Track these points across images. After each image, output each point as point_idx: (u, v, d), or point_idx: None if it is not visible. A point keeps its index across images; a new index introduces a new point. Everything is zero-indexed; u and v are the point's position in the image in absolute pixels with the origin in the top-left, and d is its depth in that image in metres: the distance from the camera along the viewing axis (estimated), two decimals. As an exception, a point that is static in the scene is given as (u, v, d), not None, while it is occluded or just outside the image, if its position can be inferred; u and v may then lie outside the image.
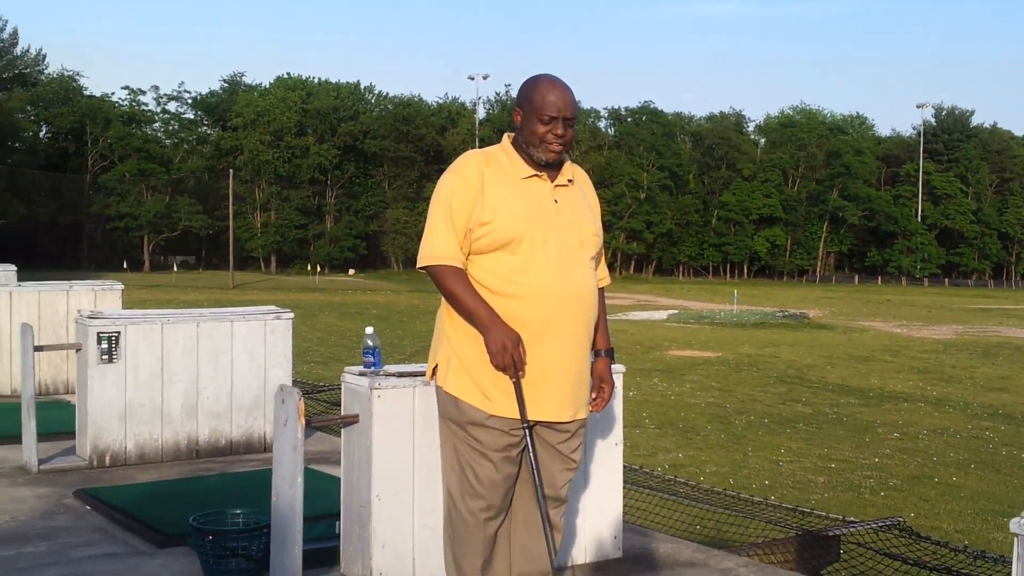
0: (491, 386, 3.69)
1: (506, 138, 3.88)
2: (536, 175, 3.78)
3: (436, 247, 3.72)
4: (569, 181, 3.86)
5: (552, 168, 3.81)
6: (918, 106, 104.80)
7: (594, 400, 4.00)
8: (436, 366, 3.88)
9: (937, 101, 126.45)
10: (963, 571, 6.13)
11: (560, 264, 3.72)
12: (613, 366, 4.21)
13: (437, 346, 3.89)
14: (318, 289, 55.60)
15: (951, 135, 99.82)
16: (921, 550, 6.63)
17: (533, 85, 3.75)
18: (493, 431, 3.71)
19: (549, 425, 3.80)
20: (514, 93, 4.11)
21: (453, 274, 3.70)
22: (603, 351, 4.04)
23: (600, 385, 4.01)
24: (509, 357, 3.61)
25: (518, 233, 3.67)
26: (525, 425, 3.69)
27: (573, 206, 3.83)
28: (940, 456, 13.29)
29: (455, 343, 3.77)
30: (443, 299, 3.81)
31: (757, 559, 5.62)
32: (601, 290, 4.03)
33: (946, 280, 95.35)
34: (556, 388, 3.74)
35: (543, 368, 3.71)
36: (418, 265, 3.81)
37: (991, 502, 10.85)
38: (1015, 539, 2.78)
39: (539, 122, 3.69)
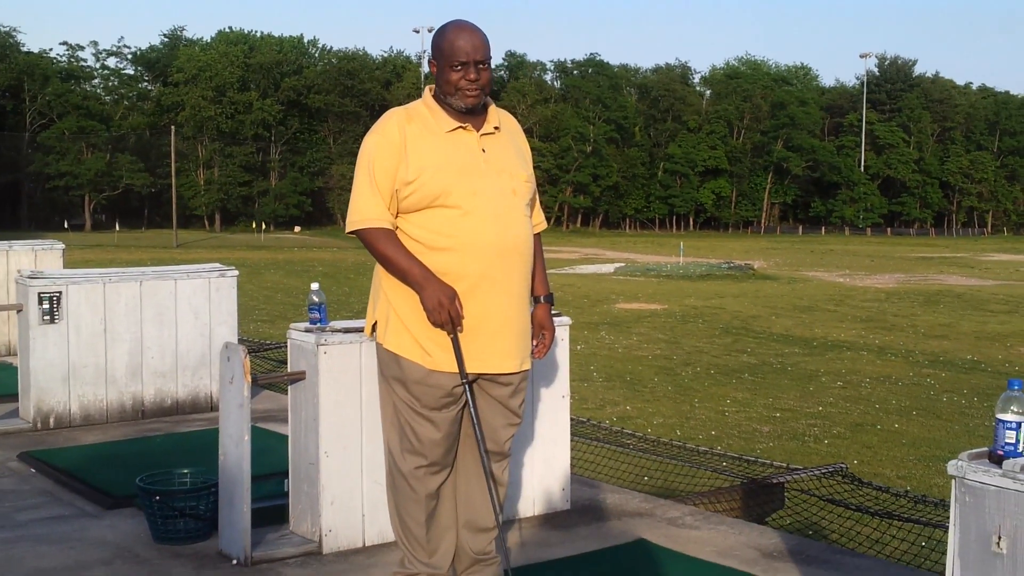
0: (430, 341, 3.67)
1: (427, 91, 3.82)
2: (461, 127, 3.72)
3: (363, 210, 3.67)
4: (496, 128, 3.80)
5: (476, 116, 3.75)
6: (861, 56, 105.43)
7: (535, 347, 4.00)
8: (375, 322, 3.86)
9: (880, 51, 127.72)
10: (904, 515, 6.25)
11: (493, 214, 3.68)
12: (558, 318, 4.20)
13: (375, 302, 3.86)
14: (264, 247, 55.19)
15: (894, 85, 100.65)
16: (863, 496, 6.75)
17: (441, 33, 3.70)
18: (433, 388, 3.69)
19: (492, 378, 3.78)
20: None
21: (383, 235, 3.66)
22: (542, 297, 4.00)
23: (540, 332, 3.99)
24: (446, 313, 3.58)
25: (445, 187, 3.63)
26: (464, 381, 3.67)
27: (502, 154, 3.79)
28: (882, 403, 13.50)
29: (392, 299, 3.74)
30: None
31: (703, 507, 5.70)
32: (538, 235, 3.98)
33: (888, 229, 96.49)
34: (497, 339, 3.72)
35: (483, 319, 3.68)
36: (347, 230, 3.76)
37: (932, 448, 11.06)
38: (953, 481, 2.83)
39: (451, 69, 3.64)
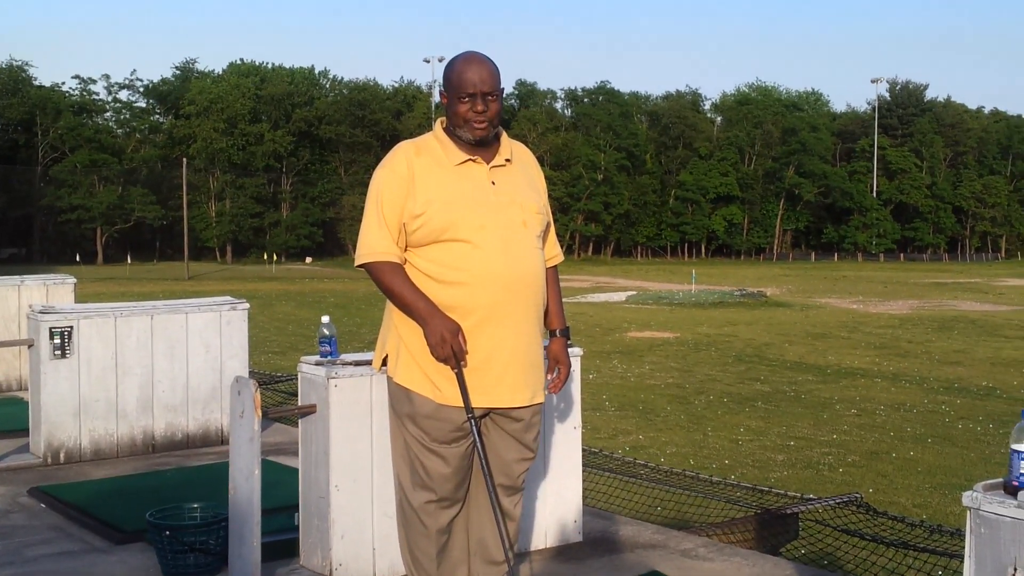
0: (439, 375, 3.66)
1: (438, 124, 3.83)
2: (471, 159, 3.72)
3: (370, 244, 3.69)
4: (507, 160, 3.80)
5: (487, 148, 3.75)
6: (872, 81, 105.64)
7: (550, 382, 3.98)
8: (385, 356, 3.85)
9: (891, 75, 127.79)
10: (920, 545, 6.19)
11: (503, 247, 3.66)
12: (570, 348, 4.18)
13: (385, 335, 3.86)
14: (275, 278, 55.29)
15: (905, 110, 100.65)
16: (878, 525, 6.69)
17: (451, 65, 3.71)
18: (443, 422, 3.68)
19: (504, 413, 3.76)
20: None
21: (389, 269, 3.67)
22: (558, 331, 3.99)
23: (556, 366, 3.97)
24: (448, 348, 3.57)
25: (452, 221, 3.62)
26: (471, 416, 3.64)
27: (512, 186, 3.77)
28: (897, 431, 13.42)
29: (403, 333, 3.74)
30: None
31: (717, 539, 5.65)
32: (554, 268, 3.97)
33: (901, 255, 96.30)
34: (508, 373, 3.70)
35: (493, 353, 3.66)
36: (355, 263, 3.78)
37: (948, 476, 10.97)
38: (968, 512, 2.80)
39: (459, 101, 3.65)
